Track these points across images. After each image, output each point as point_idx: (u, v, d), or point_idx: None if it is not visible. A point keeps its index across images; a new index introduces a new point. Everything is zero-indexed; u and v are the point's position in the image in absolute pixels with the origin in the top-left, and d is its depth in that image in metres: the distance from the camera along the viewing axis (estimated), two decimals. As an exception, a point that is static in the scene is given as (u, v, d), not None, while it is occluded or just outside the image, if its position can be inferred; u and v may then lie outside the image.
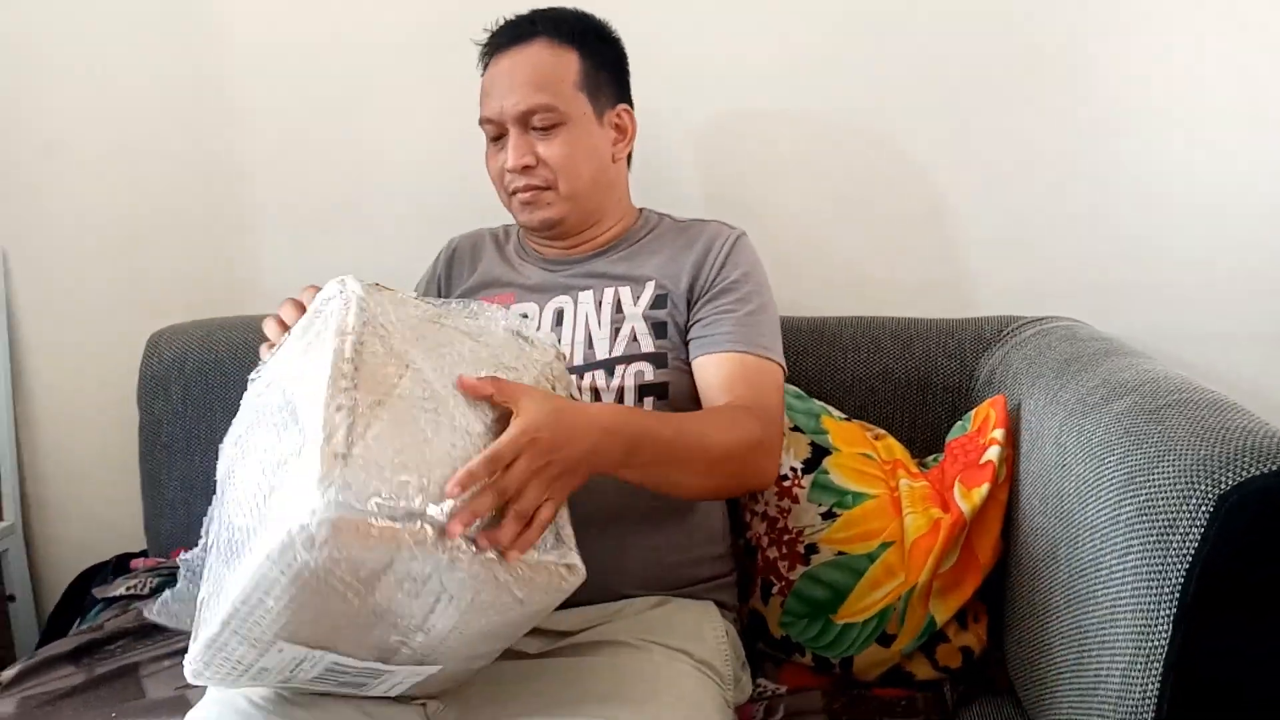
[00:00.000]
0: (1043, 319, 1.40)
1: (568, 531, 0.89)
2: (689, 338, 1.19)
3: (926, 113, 1.50)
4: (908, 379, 1.42)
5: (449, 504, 0.77)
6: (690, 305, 1.20)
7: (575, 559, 0.87)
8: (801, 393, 1.35)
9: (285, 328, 0.95)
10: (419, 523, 0.76)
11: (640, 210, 1.32)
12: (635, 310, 1.19)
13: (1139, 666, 0.80)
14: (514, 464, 0.82)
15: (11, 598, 1.75)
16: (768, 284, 1.23)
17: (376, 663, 0.83)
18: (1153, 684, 0.79)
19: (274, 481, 0.80)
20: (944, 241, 1.54)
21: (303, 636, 0.79)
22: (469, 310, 0.99)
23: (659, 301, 1.20)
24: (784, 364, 1.19)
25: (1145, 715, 0.79)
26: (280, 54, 1.64)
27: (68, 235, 1.73)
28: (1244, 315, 1.46)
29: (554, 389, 0.97)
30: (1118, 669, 0.83)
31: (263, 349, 0.98)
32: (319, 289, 0.93)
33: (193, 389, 1.57)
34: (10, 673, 1.24)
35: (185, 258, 1.73)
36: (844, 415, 1.34)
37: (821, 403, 1.35)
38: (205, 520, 0.93)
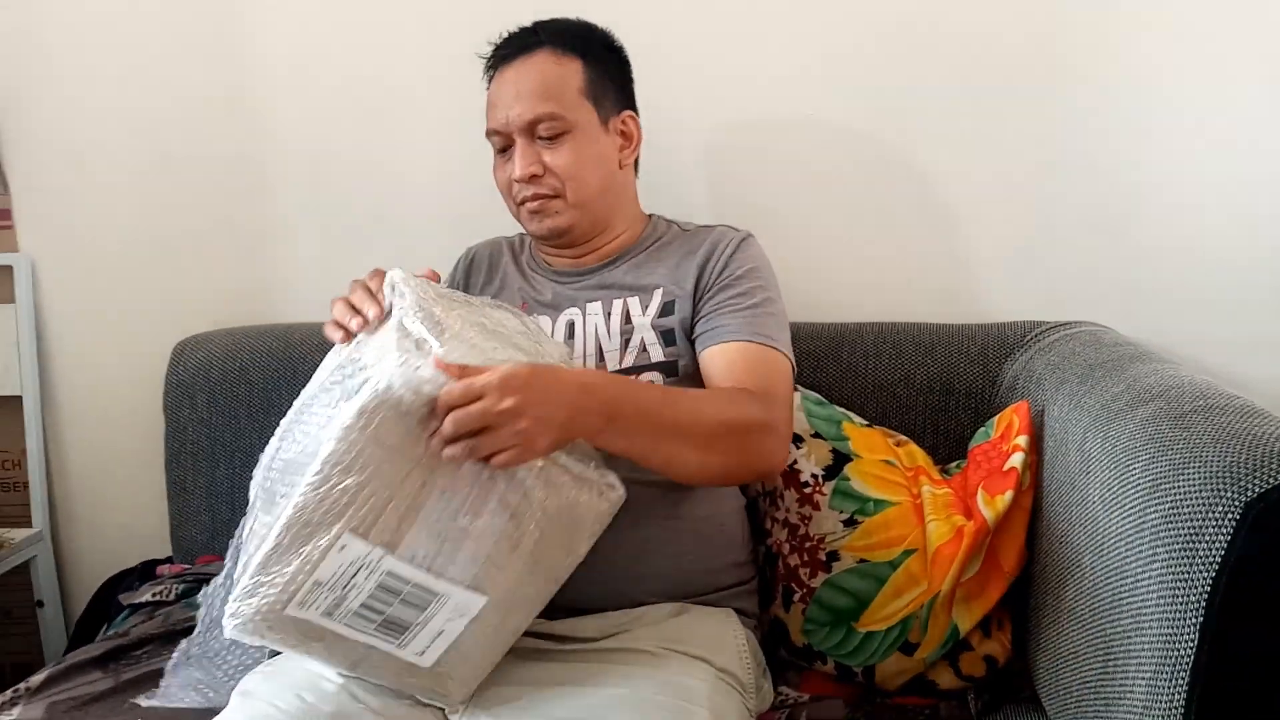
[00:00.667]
0: (1067, 324, 1.39)
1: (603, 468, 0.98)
2: (695, 335, 1.19)
3: (947, 117, 1.50)
4: (930, 385, 1.41)
5: None
6: (696, 304, 1.20)
7: (615, 479, 0.96)
8: (822, 399, 1.34)
9: (355, 310, 0.99)
10: None
11: (649, 217, 1.33)
12: (644, 320, 1.19)
13: (1165, 676, 0.79)
14: (478, 403, 0.86)
15: (40, 604, 1.77)
16: (775, 282, 1.23)
17: (429, 574, 0.88)
18: (1179, 694, 0.78)
19: (333, 415, 0.88)
20: (967, 247, 1.53)
21: (368, 526, 0.84)
22: (493, 303, 1.06)
23: (666, 309, 1.20)
24: (792, 358, 1.18)
25: (1172, 726, 0.79)
26: (305, 65, 1.65)
27: (95, 245, 1.75)
28: (1271, 320, 1.44)
29: None
30: (1144, 678, 0.82)
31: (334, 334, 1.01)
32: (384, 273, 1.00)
33: (218, 396, 1.58)
34: (38, 678, 1.25)
35: (211, 267, 1.74)
36: (865, 421, 1.34)
37: (843, 409, 1.34)
38: (231, 546, 0.98)
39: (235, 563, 0.96)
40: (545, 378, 0.91)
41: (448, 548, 0.88)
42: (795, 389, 1.32)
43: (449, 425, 0.85)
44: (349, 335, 0.98)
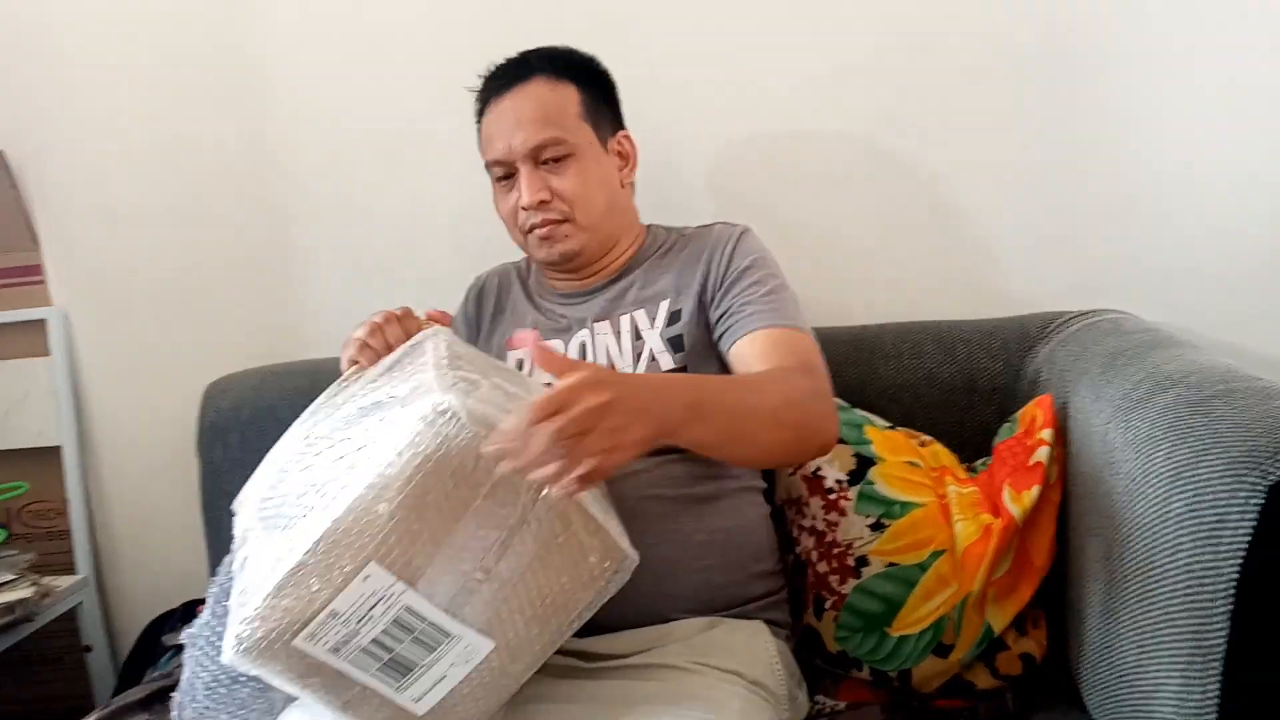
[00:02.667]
0: (1088, 313, 1.37)
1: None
2: (717, 334, 1.19)
3: (959, 113, 1.49)
4: (952, 383, 1.40)
5: None
6: (706, 305, 1.20)
7: (629, 546, 0.93)
8: (843, 403, 1.34)
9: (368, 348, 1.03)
10: None
11: (648, 228, 1.33)
12: (653, 333, 1.20)
13: (1197, 666, 0.78)
14: (573, 407, 0.80)
15: (88, 648, 1.80)
16: (780, 268, 1.23)
17: (445, 614, 0.86)
18: (1212, 683, 0.77)
19: (367, 441, 0.89)
20: (984, 240, 1.52)
21: (395, 557, 0.83)
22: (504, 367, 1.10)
23: (673, 318, 1.20)
24: (811, 332, 1.18)
25: (1208, 715, 0.77)
26: (325, 107, 1.68)
27: (125, 295, 1.78)
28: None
29: None
30: (1177, 669, 0.81)
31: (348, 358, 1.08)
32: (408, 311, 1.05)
33: (250, 436, 1.60)
34: (87, 722, 1.27)
35: (237, 309, 1.77)
36: (888, 424, 1.33)
37: (864, 412, 1.34)
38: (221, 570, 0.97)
39: (213, 610, 0.95)
40: (626, 374, 0.94)
41: (468, 587, 0.87)
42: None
43: (543, 438, 0.78)
44: (375, 356, 1.00)
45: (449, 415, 0.82)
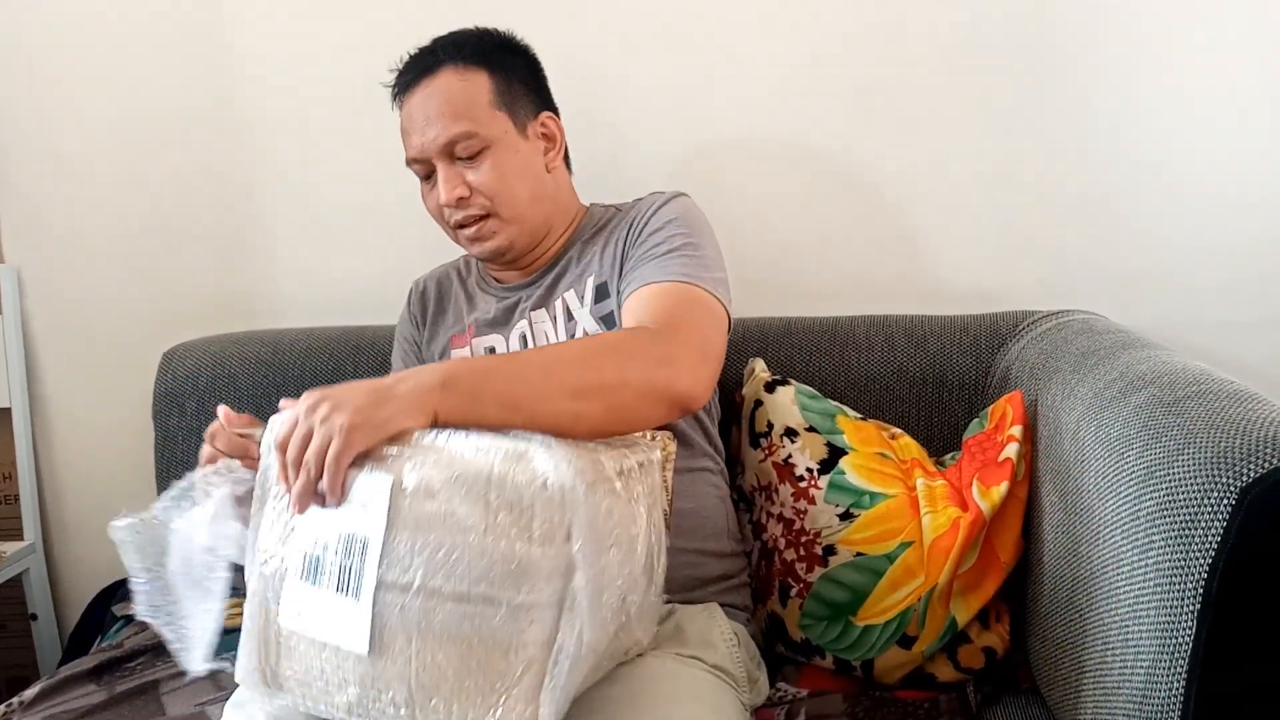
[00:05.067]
0: (1059, 313, 1.38)
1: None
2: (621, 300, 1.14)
3: (934, 106, 1.49)
4: (923, 377, 1.40)
5: None
6: (622, 273, 1.16)
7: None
8: (816, 393, 1.34)
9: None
10: None
11: (588, 209, 1.30)
12: (583, 311, 1.18)
13: (1163, 665, 0.79)
14: (283, 427, 0.82)
15: (34, 616, 1.76)
16: (705, 231, 1.17)
17: None
18: (1178, 682, 0.77)
19: None
20: (957, 238, 1.53)
21: None
22: None
23: (600, 292, 1.18)
24: (721, 296, 1.09)
25: (1171, 714, 0.78)
26: (289, 70, 1.65)
27: (81, 254, 1.74)
28: (1262, 304, 1.44)
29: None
30: (1142, 667, 0.81)
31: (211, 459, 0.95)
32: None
33: (207, 404, 1.57)
34: (32, 691, 1.24)
35: (197, 274, 1.73)
36: (859, 415, 1.33)
37: (836, 402, 1.33)
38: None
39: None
40: (361, 385, 0.85)
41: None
42: (788, 380, 1.32)
43: (289, 458, 0.80)
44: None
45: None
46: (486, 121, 1.16)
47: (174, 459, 1.59)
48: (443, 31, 1.24)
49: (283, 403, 0.86)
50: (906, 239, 1.54)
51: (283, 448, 0.81)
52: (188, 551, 0.89)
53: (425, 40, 1.24)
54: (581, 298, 1.19)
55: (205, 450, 0.95)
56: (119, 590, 1.59)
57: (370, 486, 0.80)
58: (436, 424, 0.83)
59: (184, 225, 1.71)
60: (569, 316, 1.19)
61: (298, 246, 1.71)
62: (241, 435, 0.94)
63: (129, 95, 1.68)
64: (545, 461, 0.78)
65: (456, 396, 0.85)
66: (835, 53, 1.51)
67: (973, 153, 1.50)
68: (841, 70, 1.51)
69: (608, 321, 1.16)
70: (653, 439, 0.95)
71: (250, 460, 0.91)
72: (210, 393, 1.57)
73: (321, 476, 0.79)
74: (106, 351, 1.76)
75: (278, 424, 0.84)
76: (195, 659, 0.88)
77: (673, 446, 0.96)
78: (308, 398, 0.82)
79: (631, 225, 1.19)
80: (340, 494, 0.79)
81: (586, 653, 0.80)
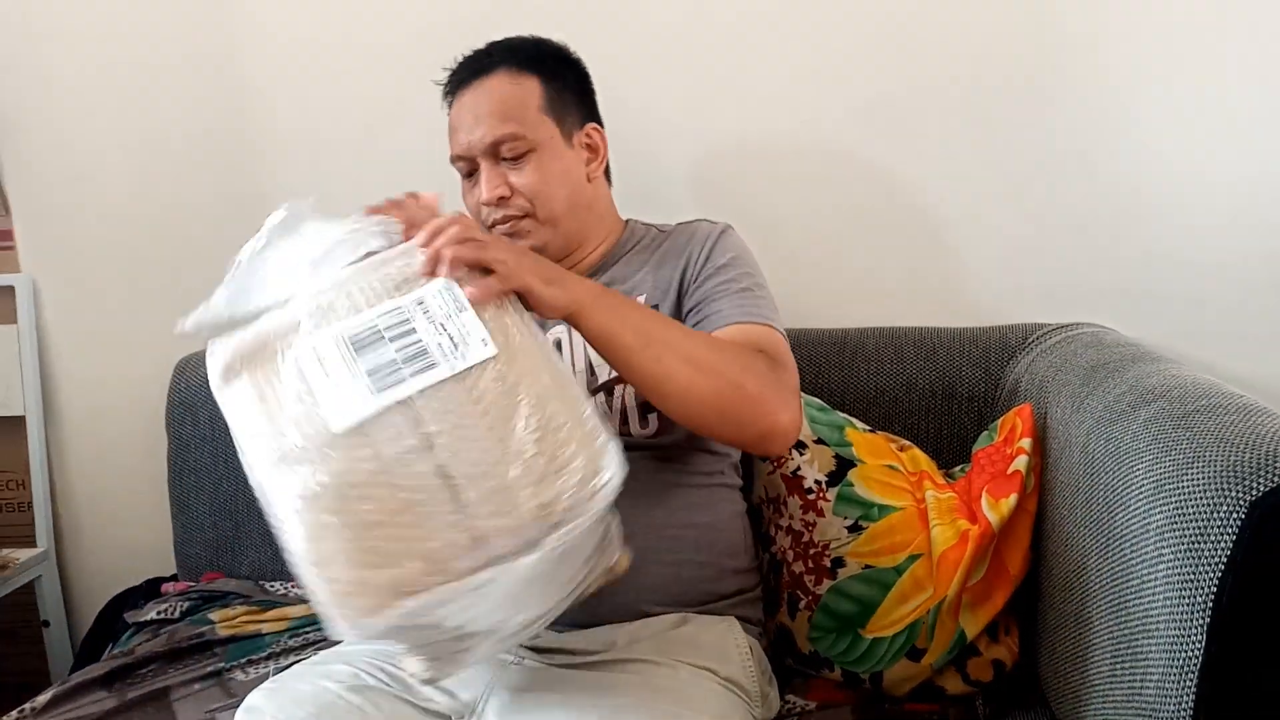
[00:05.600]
0: (1068, 326, 1.39)
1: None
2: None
3: (943, 121, 1.50)
4: (932, 389, 1.40)
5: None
6: (682, 299, 1.19)
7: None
8: (825, 405, 1.34)
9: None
10: None
11: (626, 223, 1.32)
12: None
13: (1173, 678, 0.79)
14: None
15: (46, 623, 1.77)
16: (759, 268, 1.21)
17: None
18: (1188, 696, 0.77)
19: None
20: (965, 250, 1.53)
21: None
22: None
23: None
24: (784, 333, 1.14)
25: (1181, 728, 0.78)
26: (304, 81, 1.65)
27: (96, 264, 1.75)
28: (1271, 319, 1.43)
29: None
30: (1152, 681, 0.82)
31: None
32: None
33: (220, 414, 1.56)
34: (43, 698, 1.25)
35: (211, 284, 1.73)
36: (868, 427, 1.33)
37: (845, 415, 1.34)
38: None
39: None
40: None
41: None
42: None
43: (444, 222, 0.90)
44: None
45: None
46: (534, 125, 1.18)
47: (187, 468, 1.60)
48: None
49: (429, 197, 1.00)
50: (915, 251, 1.54)
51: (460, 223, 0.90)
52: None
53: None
54: None
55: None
56: (130, 598, 1.60)
57: (477, 333, 0.83)
58: (572, 317, 0.94)
59: (197, 236, 1.72)
60: None
61: (308, 258, 1.71)
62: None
63: (143, 110, 1.70)
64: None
65: (607, 306, 0.95)
66: (845, 68, 1.51)
67: (982, 167, 1.50)
68: (851, 85, 1.51)
69: None
70: None
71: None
72: (223, 402, 1.58)
73: (477, 262, 0.87)
74: (121, 360, 1.77)
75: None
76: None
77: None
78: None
79: (689, 258, 1.20)
80: (470, 287, 0.85)
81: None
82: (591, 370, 1.17)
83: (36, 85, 1.71)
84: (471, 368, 0.82)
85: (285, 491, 0.80)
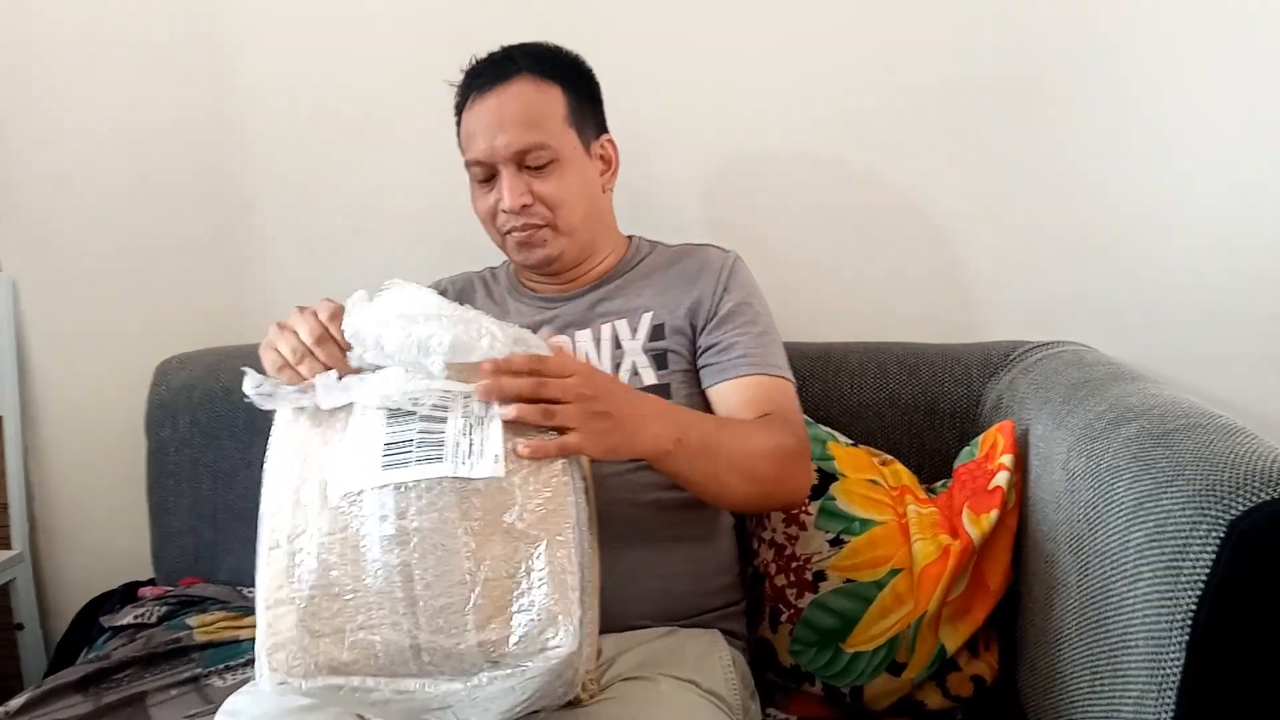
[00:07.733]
0: (1050, 344, 1.40)
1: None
2: (701, 365, 1.19)
3: (928, 138, 1.51)
4: (914, 404, 1.41)
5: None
6: (695, 331, 1.20)
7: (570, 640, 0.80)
8: (807, 419, 1.34)
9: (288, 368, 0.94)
10: None
11: (629, 238, 1.33)
12: (634, 344, 1.20)
13: (1152, 695, 0.79)
14: (566, 379, 0.86)
15: (20, 626, 1.75)
16: (767, 304, 1.25)
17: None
18: (1166, 712, 0.78)
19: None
20: (949, 267, 1.54)
21: None
22: None
23: (656, 333, 1.20)
24: (794, 381, 1.20)
25: (1159, 745, 0.79)
26: (286, 85, 1.65)
27: (77, 265, 1.74)
28: (1252, 338, 1.45)
29: None
30: (1130, 697, 0.82)
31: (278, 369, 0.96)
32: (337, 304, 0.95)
33: (200, 417, 1.57)
34: (17, 702, 1.23)
35: (193, 287, 1.74)
36: (851, 441, 1.34)
37: (828, 428, 1.34)
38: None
39: None
40: (624, 386, 0.96)
41: None
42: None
43: (528, 382, 0.84)
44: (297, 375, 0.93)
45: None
46: (559, 136, 1.18)
47: (166, 471, 1.59)
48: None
49: (545, 333, 0.95)
50: (900, 267, 1.55)
51: (548, 371, 0.86)
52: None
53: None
54: (634, 330, 1.21)
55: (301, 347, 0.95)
56: (107, 601, 1.58)
57: (493, 449, 0.82)
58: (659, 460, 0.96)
59: (179, 238, 1.72)
60: (616, 344, 1.20)
61: (292, 260, 1.71)
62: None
63: (126, 109, 1.69)
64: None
65: (673, 461, 0.97)
66: (829, 85, 1.52)
67: (967, 185, 1.51)
68: (835, 101, 1.52)
69: (659, 361, 1.19)
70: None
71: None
72: (203, 406, 1.57)
73: (548, 418, 0.84)
74: (100, 362, 1.76)
75: (559, 360, 0.87)
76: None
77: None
78: (594, 378, 0.90)
79: (705, 287, 1.22)
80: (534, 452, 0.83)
81: None
82: None
83: (18, 85, 1.70)
84: (474, 480, 0.80)
85: (278, 530, 0.82)
